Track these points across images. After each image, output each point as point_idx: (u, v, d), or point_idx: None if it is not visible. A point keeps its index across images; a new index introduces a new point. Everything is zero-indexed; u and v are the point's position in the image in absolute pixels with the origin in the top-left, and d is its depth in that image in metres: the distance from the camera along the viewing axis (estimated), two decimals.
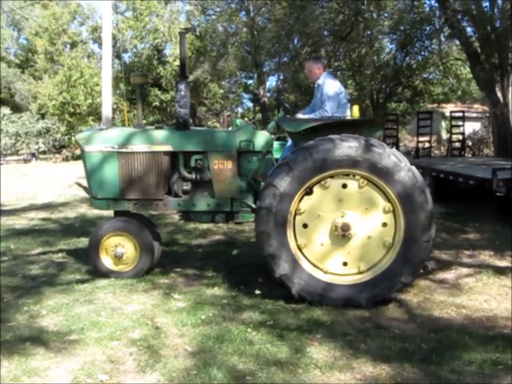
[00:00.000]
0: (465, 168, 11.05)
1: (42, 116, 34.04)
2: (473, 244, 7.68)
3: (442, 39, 19.59)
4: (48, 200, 13.23)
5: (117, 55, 27.40)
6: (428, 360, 3.91)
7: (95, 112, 30.86)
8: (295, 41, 22.37)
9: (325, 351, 4.12)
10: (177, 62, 23.19)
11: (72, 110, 30.84)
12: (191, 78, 24.29)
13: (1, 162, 29.66)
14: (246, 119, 8.36)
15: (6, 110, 32.55)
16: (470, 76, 22.15)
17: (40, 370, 3.82)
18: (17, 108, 37.51)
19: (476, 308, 5.06)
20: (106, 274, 6.00)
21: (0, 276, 6.21)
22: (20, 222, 10.09)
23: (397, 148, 19.20)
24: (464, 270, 6.34)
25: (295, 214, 5.10)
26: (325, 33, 20.56)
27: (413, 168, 4.99)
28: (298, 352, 4.09)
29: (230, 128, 9.19)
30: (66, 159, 31.26)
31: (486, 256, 6.98)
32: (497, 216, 8.95)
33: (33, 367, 3.85)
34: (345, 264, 5.13)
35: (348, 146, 4.92)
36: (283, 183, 4.98)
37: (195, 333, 4.46)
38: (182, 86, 5.87)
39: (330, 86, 6.13)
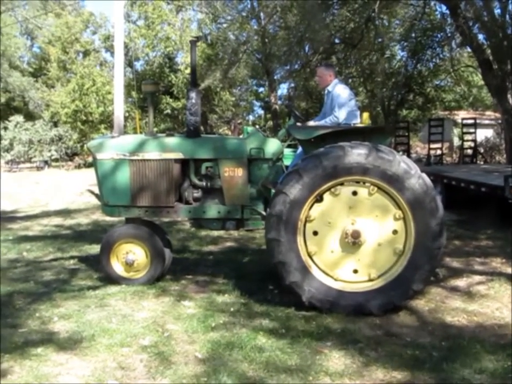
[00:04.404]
0: (477, 175, 11.00)
1: (55, 124, 34.33)
2: (484, 251, 7.64)
3: (454, 46, 19.56)
4: (61, 207, 13.33)
5: (129, 64, 27.57)
6: (439, 368, 3.88)
7: (107, 120, 31.09)
8: (306, 48, 22.39)
9: (336, 359, 4.11)
10: (189, 70, 23.31)
11: (84, 118, 31.10)
12: (202, 85, 24.39)
13: (14, 169, 29.94)
14: (257, 126, 8.38)
15: (19, 118, 32.83)
16: (482, 82, 22.07)
17: (51, 376, 3.84)
18: (30, 116, 37.85)
19: (488, 316, 5.03)
20: (117, 281, 6.02)
21: (13, 282, 6.26)
22: (33, 228, 10.19)
23: (408, 155, 19.19)
24: (476, 278, 6.30)
25: (305, 221, 5.09)
26: (336, 40, 20.59)
27: (424, 175, 4.98)
28: (308, 359, 4.08)
29: (240, 136, 9.21)
30: (78, 166, 31.48)
31: (497, 264, 6.93)
32: (509, 223, 8.88)
33: (44, 373, 3.88)
34: (355, 271, 5.12)
35: (358, 154, 4.92)
36: (293, 191, 4.98)
37: (205, 340, 4.46)
38: (193, 94, 5.91)
39: (340, 93, 6.15)
